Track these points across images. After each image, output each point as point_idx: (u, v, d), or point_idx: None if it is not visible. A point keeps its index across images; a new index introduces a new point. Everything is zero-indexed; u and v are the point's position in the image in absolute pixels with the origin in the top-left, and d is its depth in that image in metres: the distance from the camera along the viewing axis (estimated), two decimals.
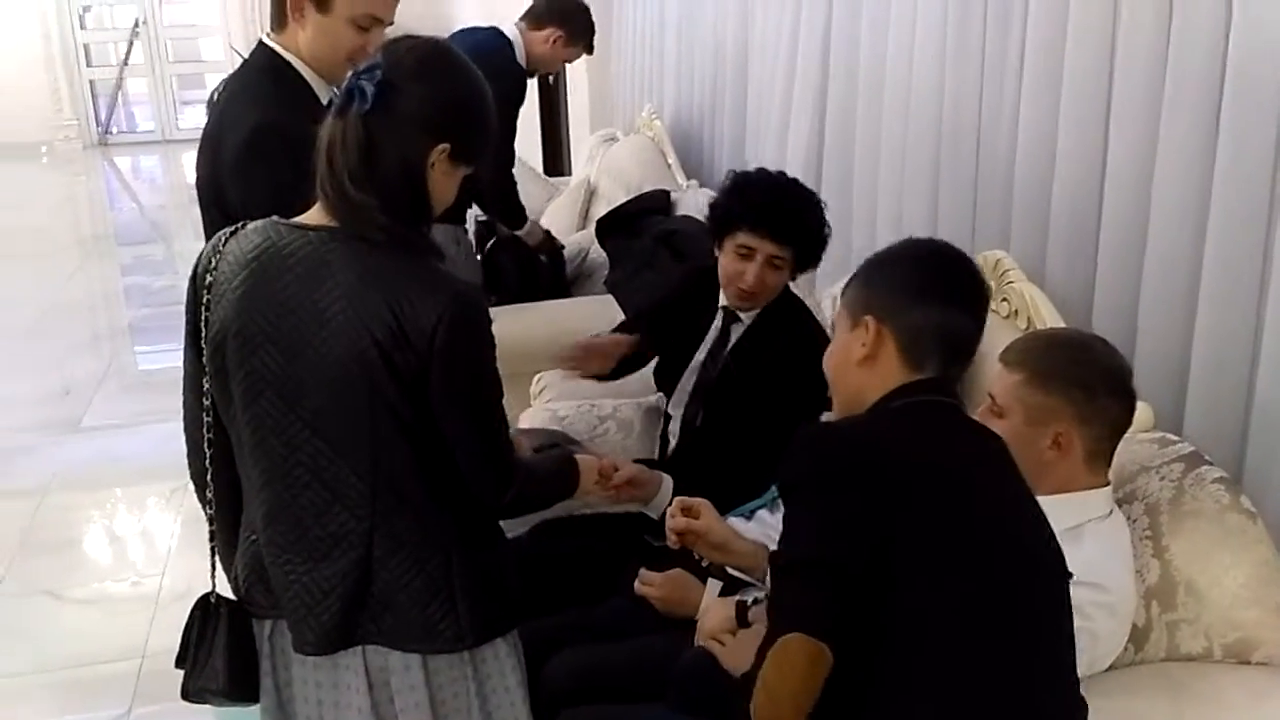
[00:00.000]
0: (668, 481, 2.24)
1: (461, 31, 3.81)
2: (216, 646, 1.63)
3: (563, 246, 4.03)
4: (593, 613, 2.16)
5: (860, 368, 1.50)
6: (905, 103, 2.70)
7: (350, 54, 2.08)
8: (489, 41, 3.63)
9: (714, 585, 2.02)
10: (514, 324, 3.36)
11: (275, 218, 1.56)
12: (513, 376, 3.05)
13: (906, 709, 1.32)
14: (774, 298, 2.40)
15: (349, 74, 1.52)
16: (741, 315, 2.45)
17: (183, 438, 1.69)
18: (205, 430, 1.62)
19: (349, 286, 1.48)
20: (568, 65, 6.09)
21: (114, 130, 12.01)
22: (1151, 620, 1.73)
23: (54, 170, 10.80)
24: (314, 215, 1.55)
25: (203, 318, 1.56)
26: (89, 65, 11.82)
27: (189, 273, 1.62)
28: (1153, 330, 2.00)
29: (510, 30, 3.65)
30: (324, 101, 2.18)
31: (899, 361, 1.48)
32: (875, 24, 2.83)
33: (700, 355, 2.50)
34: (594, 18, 3.83)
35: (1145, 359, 2.00)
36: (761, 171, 2.44)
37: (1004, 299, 2.22)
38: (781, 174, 2.43)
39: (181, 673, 1.68)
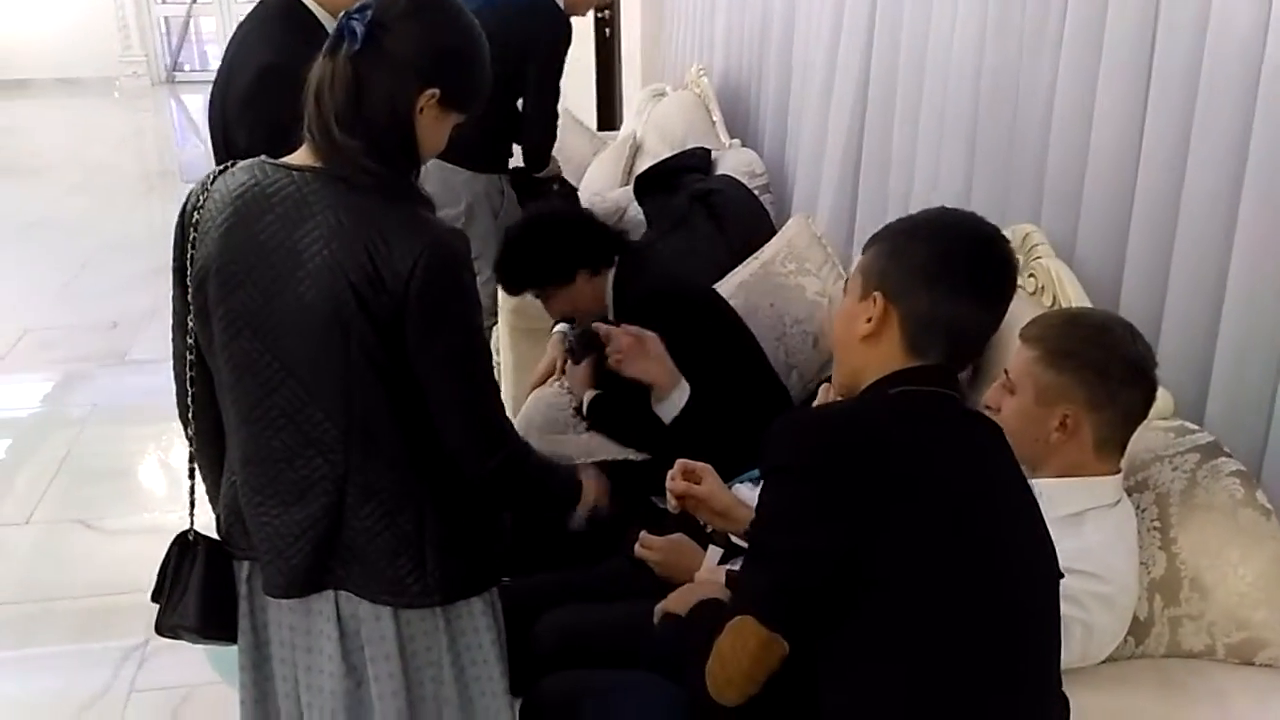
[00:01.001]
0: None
1: None
2: (191, 584, 1.63)
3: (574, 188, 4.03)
4: (591, 572, 2.15)
5: (862, 344, 1.43)
6: (944, 71, 2.62)
7: None
8: None
9: (714, 552, 2.00)
10: None
11: (263, 157, 1.54)
12: (543, 331, 3.07)
13: (872, 703, 1.29)
14: (600, 297, 2.51)
15: None
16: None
17: None
18: (188, 368, 1.61)
19: (328, 228, 1.46)
20: (623, 18, 6.08)
21: (184, 67, 12.12)
22: (1154, 614, 1.69)
23: (122, 106, 10.93)
24: (300, 156, 1.53)
25: (188, 255, 1.55)
26: (162, 2, 11.92)
27: None
28: (1179, 314, 1.93)
29: None
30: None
31: (901, 345, 1.41)
32: None
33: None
34: None
35: (1170, 343, 1.93)
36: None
37: (1030, 274, 2.15)
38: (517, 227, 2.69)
39: None
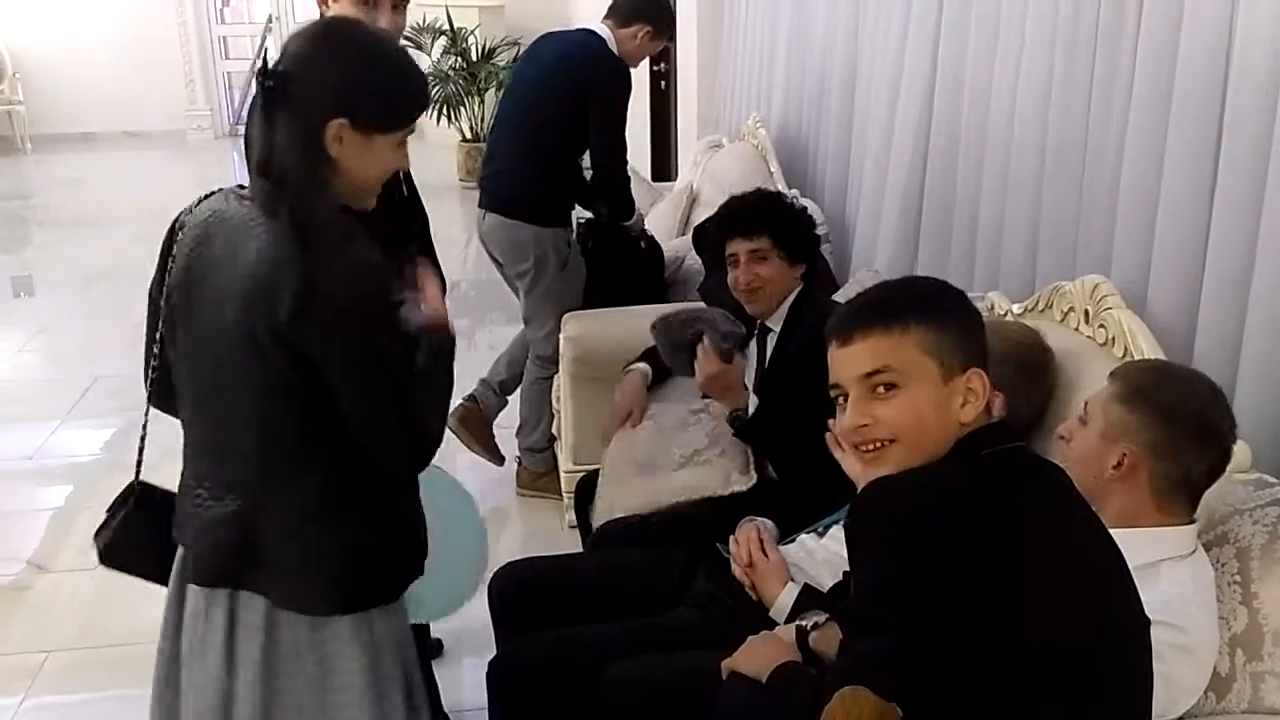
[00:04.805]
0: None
1: (555, 33, 3.88)
2: (116, 521, 1.84)
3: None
4: (656, 622, 2.14)
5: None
6: (1009, 121, 2.63)
7: None
8: (590, 41, 3.69)
9: (793, 588, 2.01)
10: (606, 327, 3.39)
11: (234, 185, 1.69)
12: (604, 379, 3.09)
13: None
14: (783, 293, 2.61)
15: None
16: (771, 325, 2.64)
17: None
18: (150, 369, 1.78)
19: (250, 257, 1.56)
20: (680, 71, 6.15)
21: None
22: (1235, 669, 1.66)
23: (186, 158, 11.17)
24: None
25: (167, 270, 1.70)
26: (226, 58, 12.22)
27: None
28: (1255, 365, 1.91)
29: (600, 29, 3.71)
30: None
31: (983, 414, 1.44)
32: (982, 42, 2.77)
33: (749, 377, 2.67)
34: (705, 25, 3.79)
35: (1246, 395, 1.92)
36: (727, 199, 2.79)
37: (1101, 325, 2.14)
38: (750, 191, 2.81)
39: None
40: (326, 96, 1.58)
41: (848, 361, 1.45)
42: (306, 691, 1.71)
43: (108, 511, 1.87)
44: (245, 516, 1.66)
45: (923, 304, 1.46)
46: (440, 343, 1.73)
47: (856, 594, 1.37)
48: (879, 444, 1.44)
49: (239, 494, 1.67)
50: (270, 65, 1.58)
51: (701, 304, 2.98)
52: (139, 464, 1.89)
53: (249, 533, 1.66)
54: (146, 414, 1.87)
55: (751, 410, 2.59)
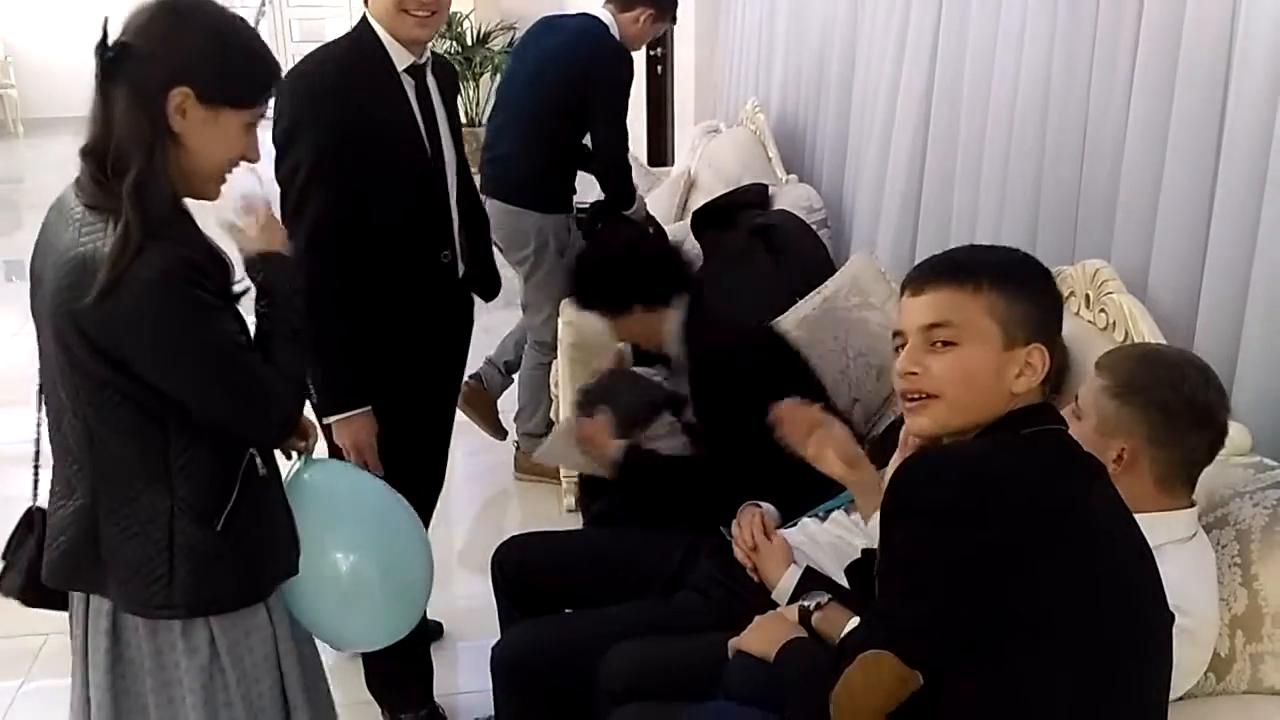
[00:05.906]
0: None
1: (556, 17, 3.87)
2: (22, 555, 1.73)
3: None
4: (660, 606, 2.14)
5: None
6: (1011, 105, 2.63)
7: (400, 3, 2.21)
8: (591, 25, 3.69)
9: (795, 570, 2.01)
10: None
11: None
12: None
13: None
14: (656, 337, 2.50)
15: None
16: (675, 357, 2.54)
17: None
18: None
19: (64, 245, 1.51)
20: (677, 55, 6.14)
21: None
22: (1235, 650, 1.67)
23: None
24: None
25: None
26: None
27: None
28: (1256, 349, 1.92)
29: (602, 14, 3.71)
30: (399, 66, 2.31)
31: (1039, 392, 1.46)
32: (983, 25, 2.76)
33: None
34: (703, 8, 3.78)
35: (1246, 379, 1.92)
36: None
37: (1102, 310, 2.15)
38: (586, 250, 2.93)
39: None
40: (168, 65, 1.50)
41: (913, 310, 1.47)
42: (152, 697, 1.68)
43: (3, 556, 1.76)
44: (87, 514, 1.61)
45: (1001, 269, 1.46)
46: (277, 272, 1.67)
47: (894, 559, 1.36)
48: (922, 395, 1.46)
49: (81, 492, 1.61)
50: (108, 37, 1.50)
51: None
52: (35, 482, 1.78)
53: (91, 532, 1.61)
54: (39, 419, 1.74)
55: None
